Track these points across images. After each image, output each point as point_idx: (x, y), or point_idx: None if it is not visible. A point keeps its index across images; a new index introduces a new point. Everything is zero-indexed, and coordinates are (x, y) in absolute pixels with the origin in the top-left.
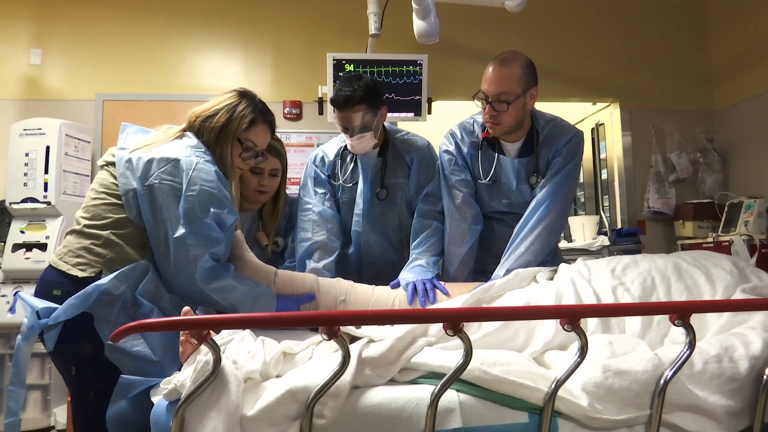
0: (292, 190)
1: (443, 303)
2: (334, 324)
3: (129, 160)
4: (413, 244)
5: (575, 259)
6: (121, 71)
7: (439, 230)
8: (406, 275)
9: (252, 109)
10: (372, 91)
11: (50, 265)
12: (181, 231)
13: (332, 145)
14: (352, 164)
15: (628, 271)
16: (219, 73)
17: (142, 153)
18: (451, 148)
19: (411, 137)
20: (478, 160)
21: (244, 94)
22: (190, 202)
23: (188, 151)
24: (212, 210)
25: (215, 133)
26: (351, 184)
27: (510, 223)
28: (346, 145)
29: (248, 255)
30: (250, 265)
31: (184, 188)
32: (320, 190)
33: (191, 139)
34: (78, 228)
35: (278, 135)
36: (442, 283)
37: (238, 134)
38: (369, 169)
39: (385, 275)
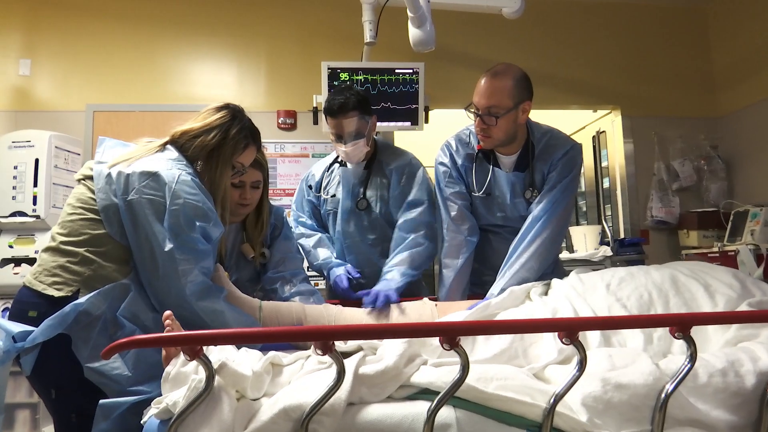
0: (285, 201)
1: (446, 318)
2: (328, 338)
3: (108, 175)
4: (390, 255)
5: (577, 269)
6: (112, 81)
7: (416, 244)
8: (376, 286)
9: (245, 134)
10: (363, 99)
11: (25, 286)
12: (168, 245)
13: (320, 164)
14: (337, 178)
15: (624, 285)
16: (211, 82)
17: (122, 167)
18: (446, 160)
19: (396, 150)
20: (472, 173)
21: (235, 114)
22: (175, 216)
23: (169, 164)
24: (198, 224)
25: (206, 153)
26: (333, 196)
27: (506, 236)
28: (333, 161)
29: (231, 288)
30: (234, 298)
31: (167, 202)
32: (308, 207)
33: (172, 152)
34: (54, 245)
35: (272, 145)
36: (434, 302)
37: (234, 160)
38: (350, 181)
39: (368, 287)
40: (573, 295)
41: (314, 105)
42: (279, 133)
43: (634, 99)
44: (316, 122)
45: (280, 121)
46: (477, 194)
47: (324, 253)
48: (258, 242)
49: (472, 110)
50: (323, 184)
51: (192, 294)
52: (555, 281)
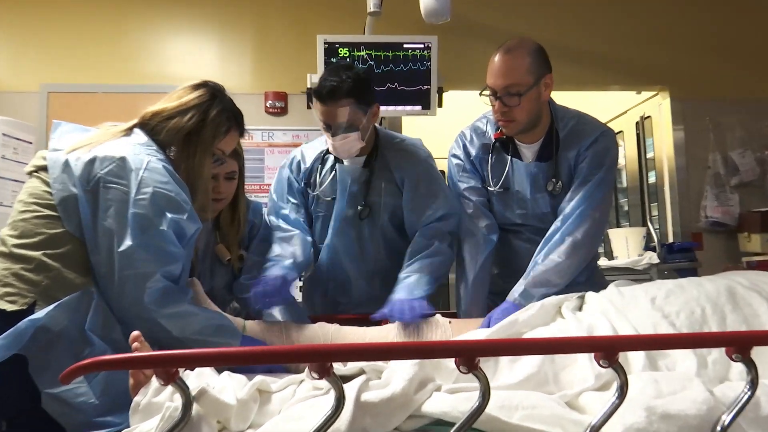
0: (264, 199)
1: (461, 337)
2: (326, 359)
3: (66, 162)
4: (405, 263)
5: (617, 280)
6: (72, 58)
7: (440, 252)
8: (394, 295)
9: (227, 115)
10: (363, 84)
11: None
12: (128, 243)
13: (313, 147)
14: (332, 173)
15: (672, 299)
16: (189, 60)
17: (82, 153)
18: (459, 152)
19: (407, 146)
20: (488, 165)
21: (215, 93)
22: (142, 206)
23: (137, 149)
24: (169, 216)
25: (181, 137)
26: (330, 198)
27: (528, 236)
28: (327, 150)
29: (210, 307)
30: None
31: (133, 192)
32: (292, 200)
33: (140, 136)
34: (5, 250)
35: (259, 133)
36: (446, 319)
37: (214, 147)
38: (348, 182)
39: (351, 310)
40: (612, 311)
41: (308, 86)
42: (267, 119)
43: (685, 78)
44: (310, 106)
45: (268, 105)
46: (493, 189)
47: (284, 251)
48: (235, 243)
49: (487, 94)
50: (314, 178)
51: (152, 302)
52: (590, 294)
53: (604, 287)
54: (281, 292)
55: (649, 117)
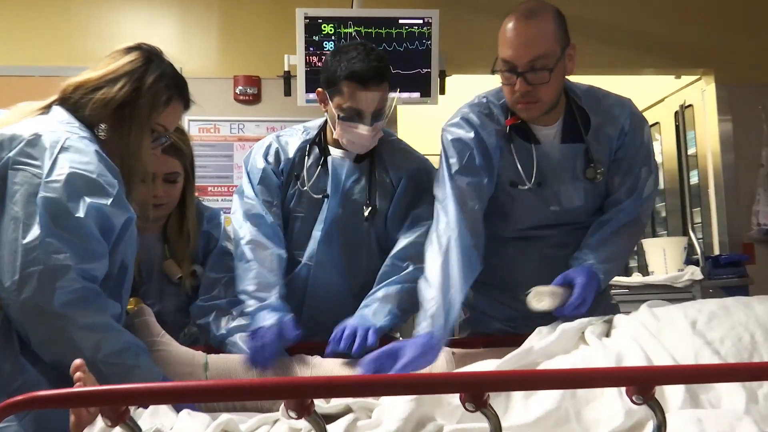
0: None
1: (466, 369)
2: (305, 395)
3: None
4: (373, 288)
5: (650, 300)
6: (6, 37)
7: (413, 279)
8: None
9: (167, 82)
10: (389, 66)
11: None
12: (35, 233)
13: (293, 135)
14: (319, 168)
15: (717, 323)
16: (143, 37)
17: None
18: (469, 135)
19: (407, 148)
20: (512, 155)
21: (151, 56)
22: (54, 190)
23: (54, 126)
24: (88, 201)
25: (111, 111)
26: (319, 196)
27: (559, 240)
28: (312, 141)
29: (164, 339)
30: (168, 351)
31: (44, 173)
32: (266, 198)
33: (60, 113)
34: None
35: (227, 125)
36: (451, 350)
37: (153, 121)
38: (342, 177)
39: (331, 330)
40: (645, 337)
41: (286, 69)
42: (237, 108)
43: (732, 59)
44: (288, 93)
45: (238, 91)
46: (525, 187)
47: (262, 281)
48: (186, 257)
49: (504, 70)
50: (297, 171)
51: (64, 305)
52: (619, 317)
53: (615, 313)
54: (282, 340)
55: (690, 106)
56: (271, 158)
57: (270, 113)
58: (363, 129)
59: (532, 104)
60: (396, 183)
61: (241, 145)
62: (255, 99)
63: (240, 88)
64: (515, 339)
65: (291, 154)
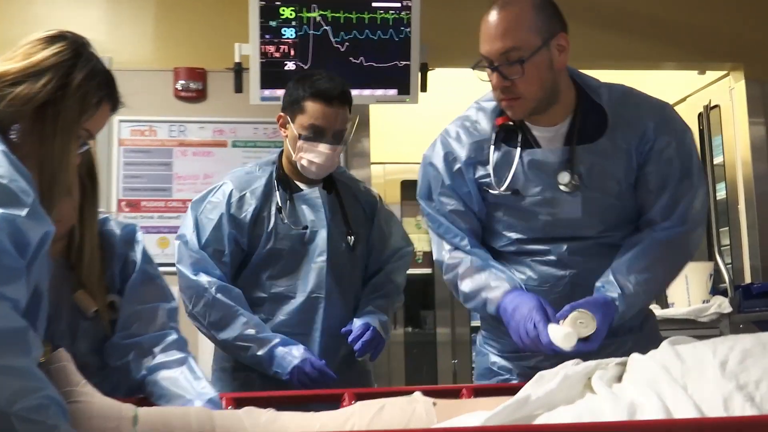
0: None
1: (449, 423)
2: None
3: None
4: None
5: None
6: None
7: (390, 294)
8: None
9: (98, 81)
10: None
11: None
12: None
13: (250, 174)
14: (288, 203)
15: (751, 363)
16: (66, 21)
17: None
18: (438, 160)
19: (345, 169)
20: (488, 163)
21: (79, 49)
22: None
23: None
24: (0, 211)
25: (31, 110)
26: (300, 229)
27: (557, 258)
28: (276, 177)
29: (85, 389)
30: (89, 403)
31: None
32: (217, 247)
33: None
34: None
35: (165, 126)
36: (432, 400)
37: (81, 125)
38: (323, 209)
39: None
40: (664, 382)
41: (237, 60)
42: (177, 106)
43: (765, 52)
44: (239, 88)
45: (179, 86)
46: (497, 192)
47: (254, 319)
48: (99, 287)
49: (484, 65)
50: (267, 210)
51: None
52: (634, 358)
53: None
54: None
55: (716, 107)
56: (233, 206)
57: (217, 112)
58: (324, 147)
59: (513, 101)
60: (366, 206)
61: (182, 150)
62: (199, 95)
63: (181, 82)
64: (510, 387)
65: (258, 196)
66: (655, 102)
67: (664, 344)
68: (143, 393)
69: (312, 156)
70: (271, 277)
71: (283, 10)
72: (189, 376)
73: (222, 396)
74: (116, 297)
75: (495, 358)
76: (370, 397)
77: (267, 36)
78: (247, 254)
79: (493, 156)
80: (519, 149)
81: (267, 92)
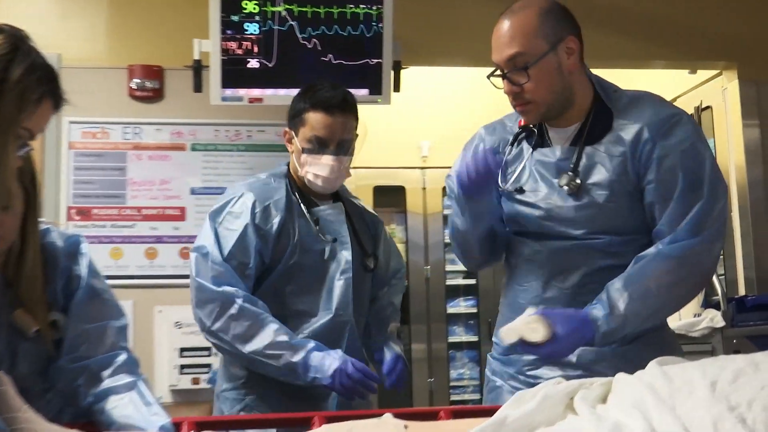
0: (140, 228)
1: None
2: None
3: None
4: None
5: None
6: None
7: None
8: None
9: (38, 76)
10: None
11: None
12: None
13: (275, 190)
14: (303, 215)
15: (743, 383)
16: (10, 15)
17: None
18: (473, 140)
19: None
20: (502, 162)
21: (17, 42)
22: None
23: None
24: None
25: None
26: (331, 241)
27: (545, 260)
28: (293, 192)
29: (27, 415)
30: (33, 431)
31: None
32: (243, 260)
33: None
34: None
35: (118, 128)
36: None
37: (22, 125)
38: (342, 221)
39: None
40: (650, 402)
41: (196, 57)
42: (132, 106)
43: (759, 51)
44: (199, 87)
45: (134, 85)
46: (502, 188)
47: (284, 327)
48: (40, 304)
49: (498, 74)
50: (292, 222)
51: None
52: (620, 378)
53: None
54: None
55: (708, 108)
56: (258, 216)
57: (175, 113)
58: (328, 159)
59: (525, 105)
60: (372, 226)
61: (137, 154)
62: (156, 95)
63: (136, 80)
64: (488, 410)
65: (281, 208)
66: (664, 109)
67: (652, 364)
68: (90, 419)
69: (316, 169)
70: (293, 293)
71: (246, 4)
72: (138, 401)
73: (183, 420)
74: (59, 315)
75: (492, 362)
76: (340, 419)
77: (228, 31)
78: (266, 268)
79: (509, 153)
80: (530, 148)
81: (228, 92)
